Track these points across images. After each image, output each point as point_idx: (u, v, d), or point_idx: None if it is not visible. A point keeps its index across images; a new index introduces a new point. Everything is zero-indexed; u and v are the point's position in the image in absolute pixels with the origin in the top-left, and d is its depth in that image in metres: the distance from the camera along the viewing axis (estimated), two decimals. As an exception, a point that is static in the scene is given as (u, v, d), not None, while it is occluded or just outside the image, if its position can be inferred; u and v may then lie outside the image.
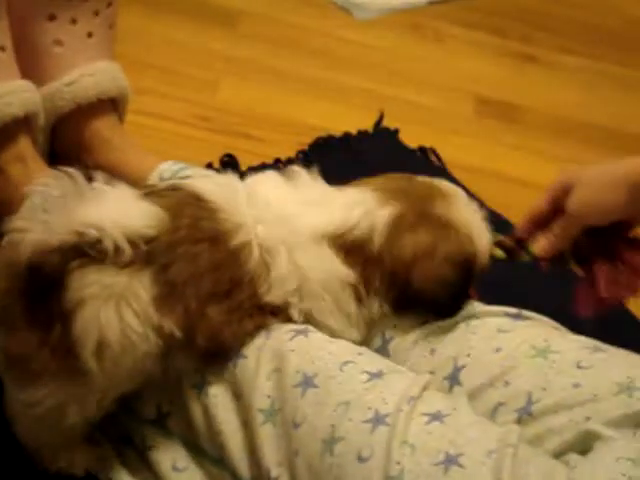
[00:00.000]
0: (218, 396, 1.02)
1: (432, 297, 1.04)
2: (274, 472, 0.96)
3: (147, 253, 0.95)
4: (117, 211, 0.95)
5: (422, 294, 1.04)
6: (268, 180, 1.08)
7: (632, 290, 1.10)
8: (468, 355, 1.02)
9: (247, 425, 1.00)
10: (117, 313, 0.94)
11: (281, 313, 1.03)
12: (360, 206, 1.04)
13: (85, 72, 1.39)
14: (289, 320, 1.03)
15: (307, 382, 0.97)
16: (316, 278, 1.02)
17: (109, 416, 1.07)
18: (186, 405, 1.04)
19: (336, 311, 1.03)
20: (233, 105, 1.75)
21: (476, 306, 1.08)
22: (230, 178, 1.08)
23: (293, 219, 1.03)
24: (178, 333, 0.97)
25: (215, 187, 1.03)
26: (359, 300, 1.04)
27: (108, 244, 0.92)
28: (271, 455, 0.97)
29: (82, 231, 0.92)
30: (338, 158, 1.62)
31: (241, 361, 1.01)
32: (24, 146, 1.35)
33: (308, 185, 1.07)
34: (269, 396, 0.99)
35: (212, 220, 0.99)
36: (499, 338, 1.02)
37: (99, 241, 0.92)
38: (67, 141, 1.43)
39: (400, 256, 1.03)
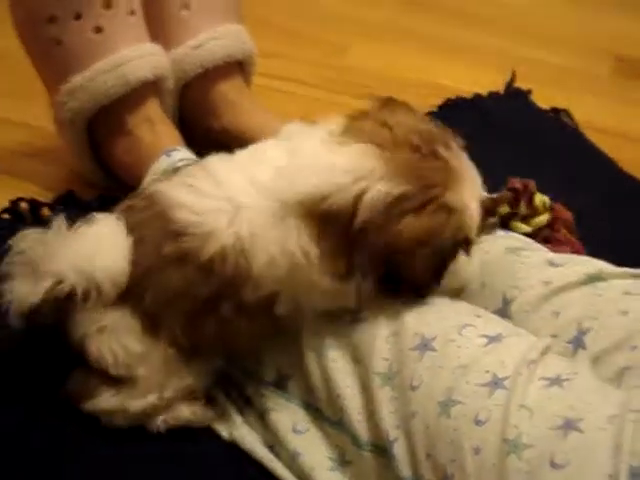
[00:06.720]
0: (337, 360, 1.01)
1: (421, 281, 0.99)
2: (392, 434, 0.95)
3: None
4: (93, 255, 0.96)
5: (410, 278, 0.98)
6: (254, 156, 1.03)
7: None
8: (594, 318, 0.98)
9: (366, 388, 0.99)
10: (118, 342, 1.00)
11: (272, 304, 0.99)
12: (351, 173, 0.95)
13: (212, 35, 1.41)
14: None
15: (425, 345, 0.96)
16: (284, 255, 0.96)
17: (229, 378, 1.09)
18: (305, 369, 1.03)
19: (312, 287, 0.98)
20: (362, 67, 1.74)
21: (602, 267, 1.04)
22: (212, 171, 1.01)
23: (272, 193, 0.97)
24: (171, 350, 1.01)
25: (188, 197, 0.99)
26: (337, 275, 0.97)
27: (91, 288, 0.96)
28: (389, 418, 0.96)
29: (60, 279, 0.95)
30: (467, 119, 1.59)
31: (359, 325, 1.01)
32: (153, 109, 1.37)
33: (298, 150, 1.01)
34: (387, 359, 0.98)
35: (177, 241, 0.98)
36: (626, 300, 0.98)
37: (74, 289, 0.95)
38: (194, 105, 1.45)
39: (395, 242, 0.95)
